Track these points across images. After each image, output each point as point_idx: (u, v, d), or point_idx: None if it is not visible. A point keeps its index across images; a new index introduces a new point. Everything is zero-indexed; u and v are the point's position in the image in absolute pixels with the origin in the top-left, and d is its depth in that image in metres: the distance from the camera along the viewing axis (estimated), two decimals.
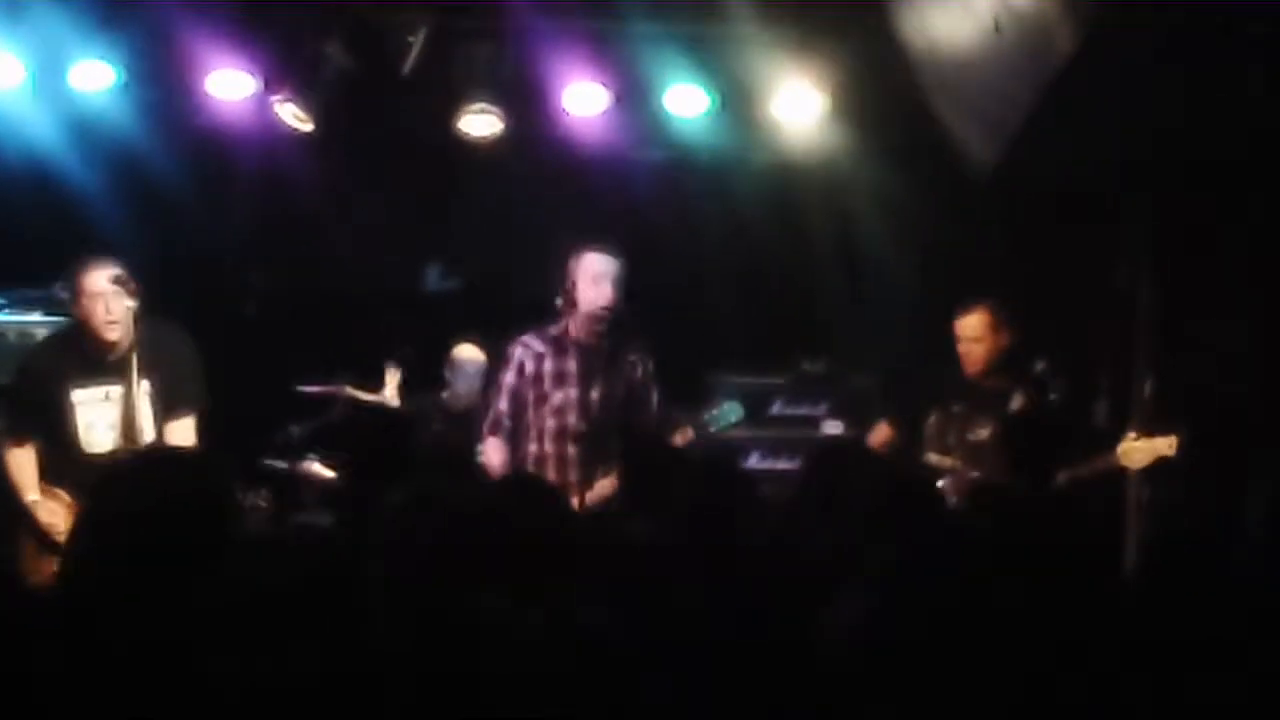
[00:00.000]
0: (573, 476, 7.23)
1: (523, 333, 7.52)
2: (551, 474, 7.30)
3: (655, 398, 7.56)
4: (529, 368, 7.44)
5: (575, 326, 7.44)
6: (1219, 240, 8.05)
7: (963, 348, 7.91)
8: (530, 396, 7.44)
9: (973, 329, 7.90)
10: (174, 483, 3.83)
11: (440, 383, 9.40)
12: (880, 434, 8.14)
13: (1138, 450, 7.28)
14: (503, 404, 7.50)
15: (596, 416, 7.34)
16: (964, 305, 7.94)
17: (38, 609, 3.81)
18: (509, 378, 7.49)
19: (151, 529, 3.71)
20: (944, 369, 7.99)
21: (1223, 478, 7.27)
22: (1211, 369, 7.98)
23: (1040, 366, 7.51)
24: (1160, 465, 7.27)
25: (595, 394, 7.38)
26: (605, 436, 7.27)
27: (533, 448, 7.44)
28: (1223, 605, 3.84)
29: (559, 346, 7.43)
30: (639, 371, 7.50)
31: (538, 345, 7.46)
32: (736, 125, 8.95)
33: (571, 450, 7.32)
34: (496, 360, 8.10)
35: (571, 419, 7.37)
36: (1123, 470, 7.43)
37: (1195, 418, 7.44)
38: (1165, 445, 7.24)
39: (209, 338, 7.73)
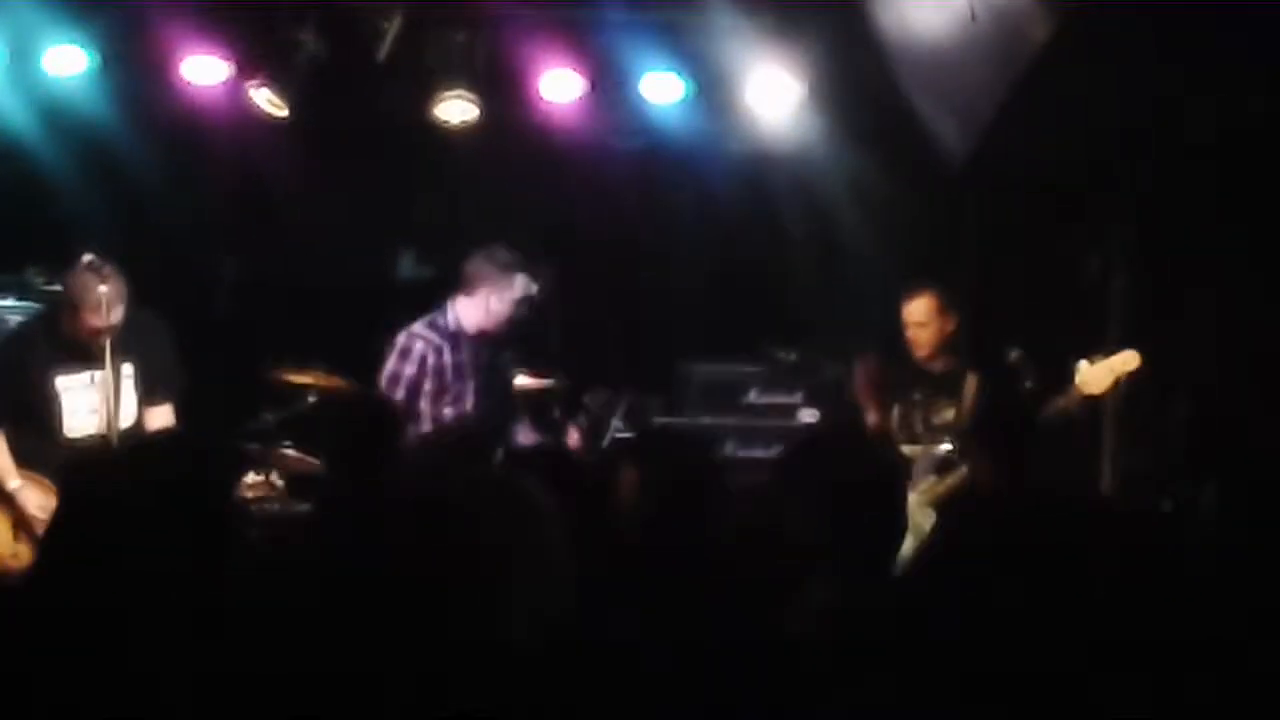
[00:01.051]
0: None
1: (408, 324, 7.93)
2: None
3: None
4: (430, 360, 7.84)
5: (470, 323, 7.90)
6: (1192, 232, 8.08)
7: (911, 333, 8.01)
8: (429, 388, 7.82)
9: (919, 314, 7.99)
10: (165, 467, 3.82)
11: None
12: (873, 418, 8.15)
13: (1095, 374, 7.37)
14: (400, 393, 7.79)
15: (483, 405, 7.89)
16: (909, 290, 8.00)
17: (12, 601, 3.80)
18: (409, 369, 7.85)
19: (139, 515, 3.70)
20: (895, 359, 8.06)
21: (1194, 474, 7.30)
22: (1184, 360, 8.03)
23: (1014, 355, 7.55)
24: (1123, 383, 7.40)
25: (480, 385, 7.95)
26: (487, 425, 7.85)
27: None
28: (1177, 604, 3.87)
29: (455, 341, 7.88)
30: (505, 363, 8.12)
31: (435, 338, 7.87)
32: (711, 113, 8.96)
33: None
34: None
35: (467, 408, 7.89)
36: (1085, 400, 7.48)
37: (1169, 411, 7.50)
38: (1122, 363, 7.35)
39: (180, 323, 7.71)
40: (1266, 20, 6.12)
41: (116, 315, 7.08)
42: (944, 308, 7.98)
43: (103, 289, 7.02)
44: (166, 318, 7.53)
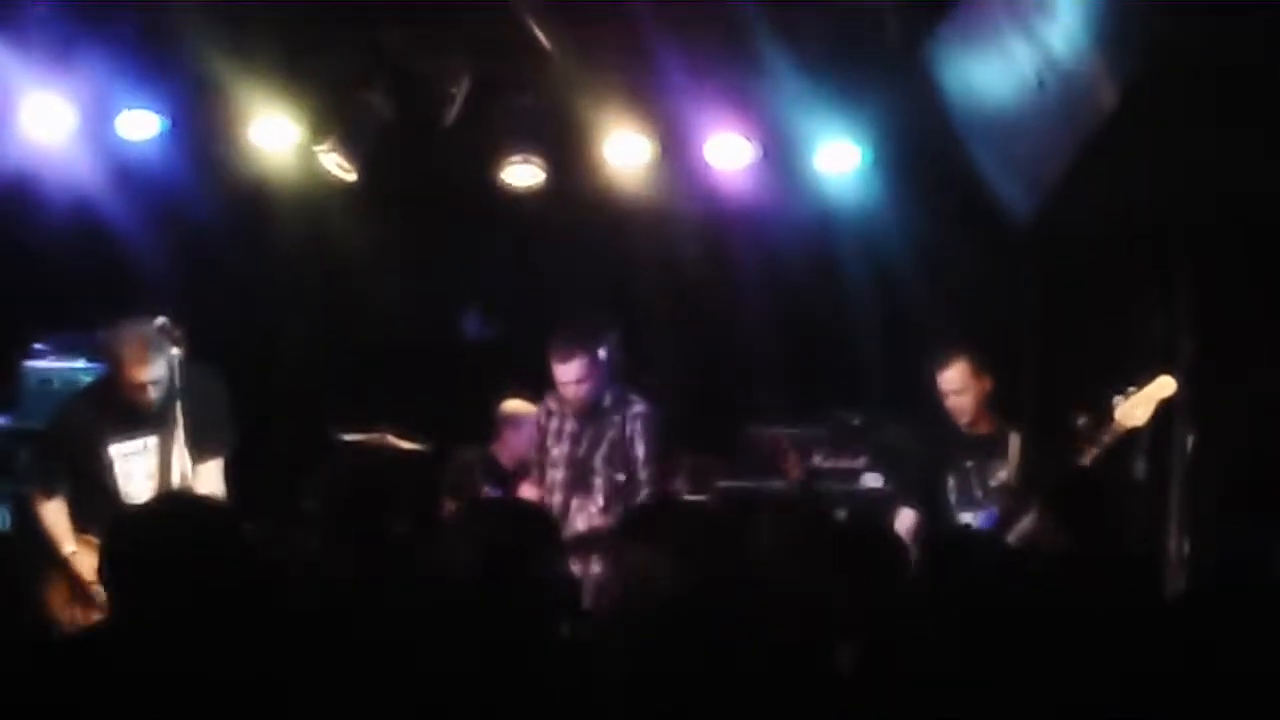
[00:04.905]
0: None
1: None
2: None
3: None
4: (541, 422, 8.31)
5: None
6: (1262, 295, 8.03)
7: (950, 402, 7.96)
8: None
9: (954, 381, 7.95)
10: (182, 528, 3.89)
11: (487, 435, 9.33)
12: (905, 521, 8.10)
13: (1136, 406, 7.33)
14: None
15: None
16: (940, 359, 7.97)
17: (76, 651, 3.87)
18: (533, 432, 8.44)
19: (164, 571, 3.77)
20: (937, 429, 8.04)
21: (1265, 531, 7.24)
22: (1253, 424, 7.96)
23: (1081, 421, 7.50)
24: (1164, 408, 7.34)
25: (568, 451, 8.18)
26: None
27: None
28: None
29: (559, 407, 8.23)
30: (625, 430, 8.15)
31: (549, 403, 8.28)
32: (777, 177, 8.98)
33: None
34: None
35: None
36: (1131, 434, 7.43)
37: (1237, 473, 7.43)
38: (1159, 389, 7.30)
39: (247, 384, 7.77)
40: None
41: (170, 379, 7.14)
42: (977, 371, 7.95)
43: (157, 365, 7.11)
44: (222, 374, 7.57)
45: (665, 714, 3.48)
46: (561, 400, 8.16)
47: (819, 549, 4.59)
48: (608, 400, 8.11)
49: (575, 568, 7.72)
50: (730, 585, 4.31)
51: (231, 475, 7.52)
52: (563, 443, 8.17)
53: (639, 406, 8.12)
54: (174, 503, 4.65)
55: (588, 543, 7.92)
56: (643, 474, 8.04)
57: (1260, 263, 7.93)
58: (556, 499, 8.14)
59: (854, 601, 4.27)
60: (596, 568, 7.83)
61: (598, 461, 8.10)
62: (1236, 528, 7.56)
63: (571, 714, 3.73)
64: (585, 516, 8.08)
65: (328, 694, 3.74)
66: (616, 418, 8.10)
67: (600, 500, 8.05)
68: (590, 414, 8.10)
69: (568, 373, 7.99)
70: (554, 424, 8.23)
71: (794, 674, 3.66)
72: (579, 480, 8.11)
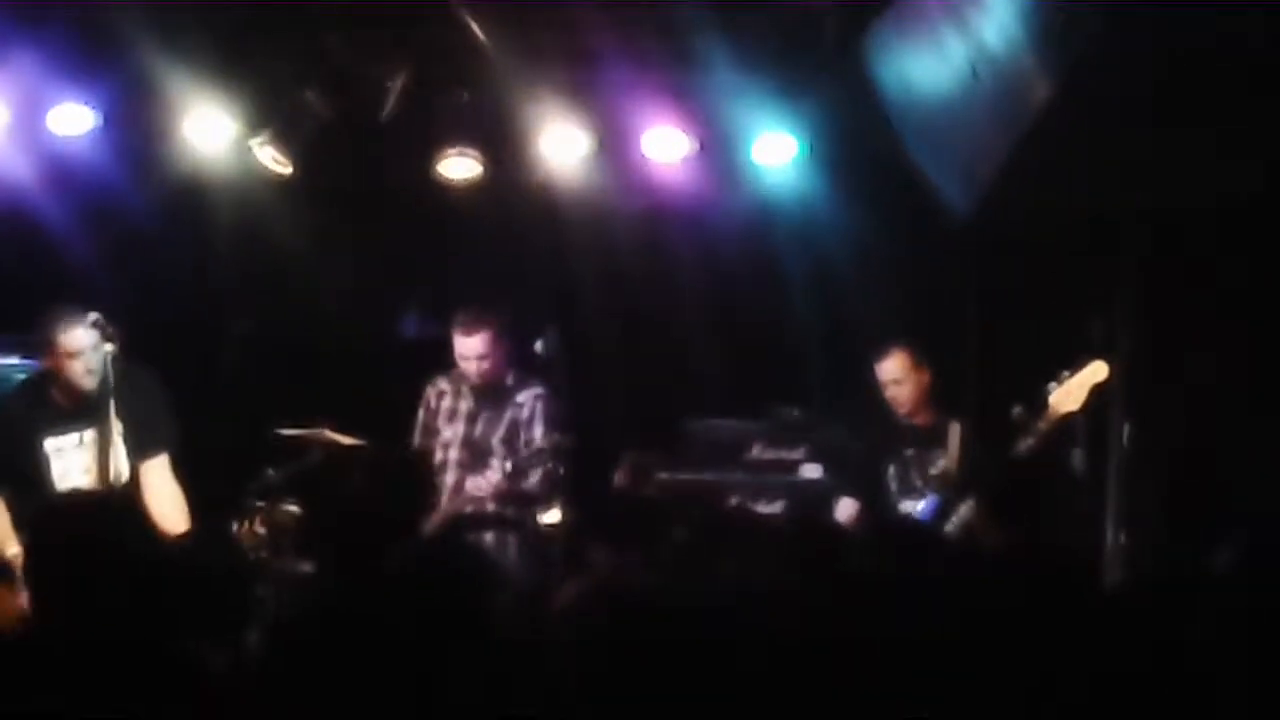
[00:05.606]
0: None
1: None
2: None
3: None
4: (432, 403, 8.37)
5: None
6: (1198, 290, 8.08)
7: (889, 392, 8.07)
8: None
9: (892, 372, 8.06)
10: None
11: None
12: (846, 510, 8.15)
13: (1070, 392, 7.38)
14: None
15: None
16: (880, 350, 8.05)
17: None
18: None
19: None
20: (877, 419, 8.09)
21: (1200, 524, 7.28)
22: (1189, 422, 8.02)
23: (1016, 412, 7.54)
24: (1098, 394, 7.39)
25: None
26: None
27: None
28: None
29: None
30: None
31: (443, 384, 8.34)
32: (714, 171, 8.98)
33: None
34: None
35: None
36: (1067, 419, 7.46)
37: (1175, 465, 7.49)
38: (1092, 374, 7.36)
39: (185, 381, 7.71)
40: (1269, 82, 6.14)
41: (104, 372, 7.10)
42: (916, 363, 8.05)
43: (92, 355, 7.06)
44: (158, 372, 7.54)
45: (635, 713, 3.48)
46: (459, 378, 8.15)
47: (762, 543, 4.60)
48: (510, 380, 8.13)
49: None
50: (701, 582, 4.32)
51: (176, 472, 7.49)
52: (457, 423, 8.18)
53: (540, 388, 8.12)
54: (83, 500, 4.64)
55: (486, 517, 7.99)
56: (539, 454, 7.97)
57: (1201, 258, 7.98)
58: (449, 478, 8.12)
59: (804, 593, 4.27)
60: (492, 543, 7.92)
61: (495, 442, 8.11)
62: (1173, 521, 7.61)
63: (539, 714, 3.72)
64: (480, 483, 8.01)
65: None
66: (518, 399, 8.11)
67: (497, 470, 8.00)
68: (490, 394, 8.12)
69: (470, 346, 7.98)
70: (446, 403, 8.24)
71: (768, 671, 3.67)
72: (474, 460, 8.10)
